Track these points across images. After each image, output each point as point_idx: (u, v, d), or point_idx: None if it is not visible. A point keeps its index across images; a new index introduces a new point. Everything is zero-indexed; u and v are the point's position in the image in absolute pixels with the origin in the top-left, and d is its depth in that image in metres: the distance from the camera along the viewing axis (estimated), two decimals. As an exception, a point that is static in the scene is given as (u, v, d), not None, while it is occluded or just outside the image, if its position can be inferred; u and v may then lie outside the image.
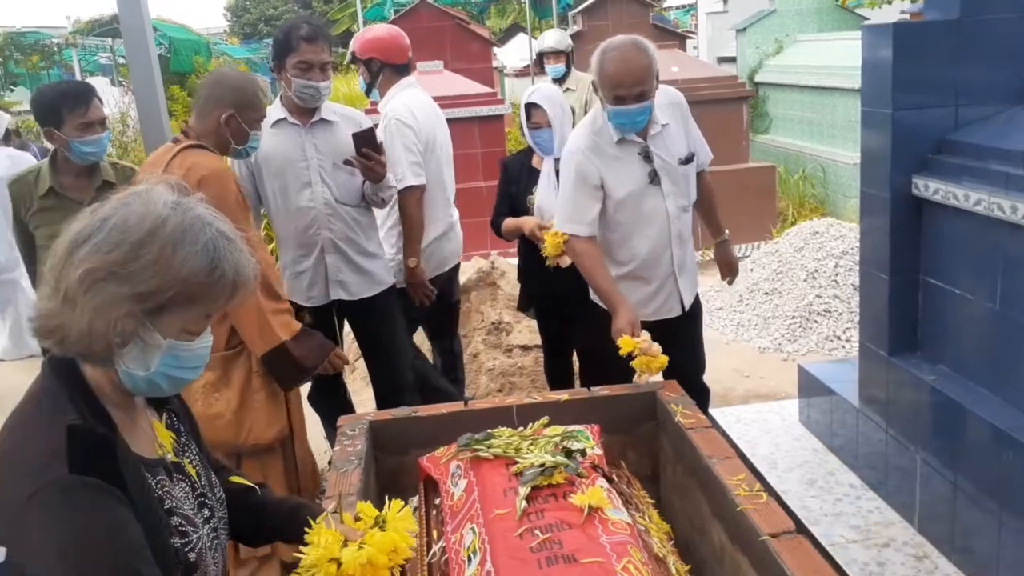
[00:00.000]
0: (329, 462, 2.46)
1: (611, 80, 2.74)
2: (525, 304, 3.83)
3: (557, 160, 3.34)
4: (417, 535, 2.19)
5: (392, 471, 2.52)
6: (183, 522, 1.26)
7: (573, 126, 5.67)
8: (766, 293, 5.36)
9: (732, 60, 11.11)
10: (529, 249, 3.53)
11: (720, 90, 7.39)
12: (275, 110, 3.14)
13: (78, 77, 17.11)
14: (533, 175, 3.56)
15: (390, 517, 1.48)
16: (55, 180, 3.07)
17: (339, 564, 1.34)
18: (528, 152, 3.66)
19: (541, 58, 5.96)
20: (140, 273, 1.14)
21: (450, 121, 6.40)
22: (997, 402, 2.55)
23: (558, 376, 3.77)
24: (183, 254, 1.17)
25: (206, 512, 1.35)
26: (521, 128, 3.59)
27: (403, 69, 3.68)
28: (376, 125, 3.28)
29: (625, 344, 2.62)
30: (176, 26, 18.60)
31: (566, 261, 3.16)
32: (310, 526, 1.43)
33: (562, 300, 3.49)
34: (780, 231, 6.82)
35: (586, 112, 5.87)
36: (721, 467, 2.12)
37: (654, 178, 2.91)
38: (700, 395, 3.09)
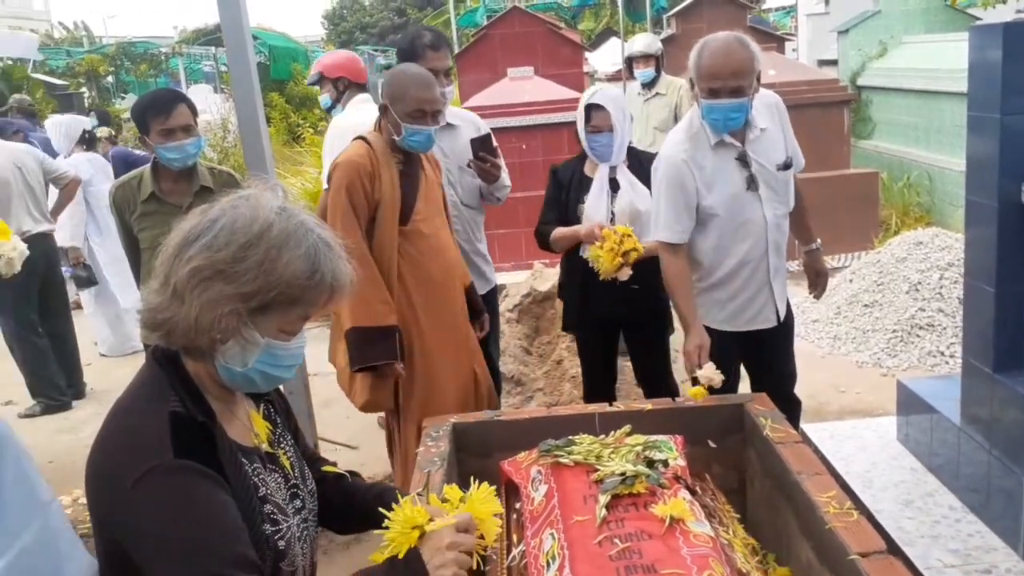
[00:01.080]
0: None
1: (707, 71, 2.68)
2: (569, 325, 3.55)
3: (613, 168, 3.24)
4: (502, 517, 2.23)
5: (474, 473, 2.52)
6: (275, 510, 1.31)
7: (658, 131, 5.70)
8: (865, 305, 5.16)
9: (833, 63, 10.77)
10: (572, 266, 3.34)
11: (820, 93, 7.18)
12: None
13: (183, 85, 17.93)
14: (585, 183, 3.29)
15: (474, 498, 1.48)
16: (155, 185, 3.21)
17: (422, 532, 1.34)
18: (580, 159, 3.38)
19: (630, 62, 5.91)
20: (245, 273, 1.20)
21: (538, 127, 6.47)
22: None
23: (601, 387, 3.49)
24: (286, 257, 1.22)
25: (297, 503, 1.39)
26: (577, 132, 3.33)
27: (363, 88, 4.31)
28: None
29: (696, 394, 2.59)
30: (276, 34, 19.24)
31: (625, 274, 3.03)
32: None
33: (606, 322, 3.37)
34: (882, 241, 6.56)
35: (676, 117, 5.83)
36: (810, 483, 2.06)
37: (751, 184, 2.82)
38: (791, 407, 2.99)
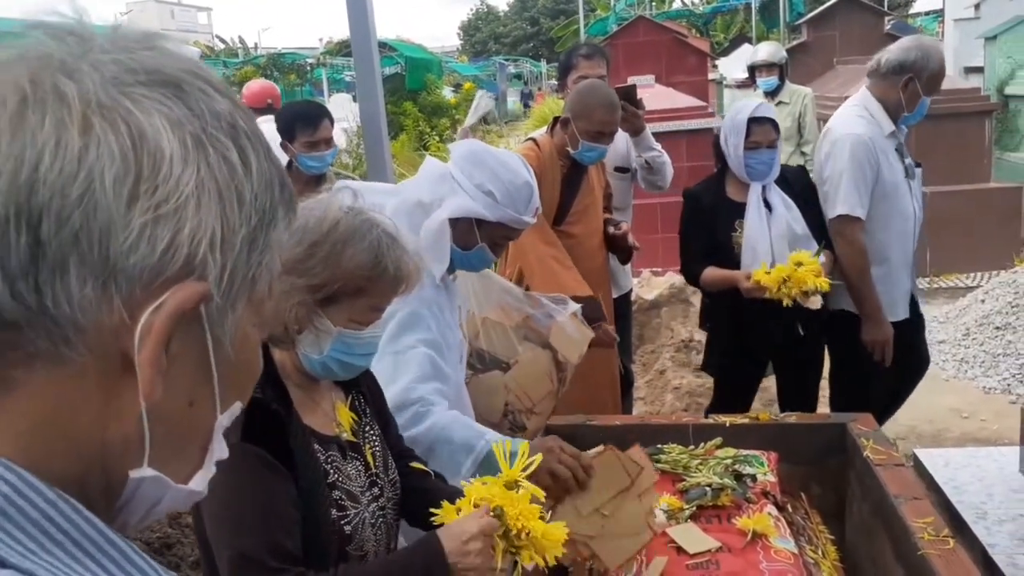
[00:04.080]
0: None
1: (942, 73, 3.03)
2: (711, 363, 3.27)
3: (764, 188, 2.98)
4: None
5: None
6: (344, 496, 1.39)
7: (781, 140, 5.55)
8: (997, 328, 4.87)
9: (980, 71, 10.19)
10: (728, 299, 2.98)
11: (959, 103, 6.81)
12: None
13: (325, 94, 18.77)
14: (732, 208, 2.99)
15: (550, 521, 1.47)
16: None
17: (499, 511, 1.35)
18: (719, 180, 3.09)
19: (753, 71, 5.80)
20: (314, 267, 1.32)
21: (658, 134, 6.43)
22: None
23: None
24: (351, 251, 1.33)
25: (375, 491, 1.47)
26: (720, 148, 3.04)
27: (261, 111, 4.94)
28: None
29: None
30: (412, 46, 19.88)
31: (816, 302, 2.75)
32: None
33: (758, 356, 3.14)
34: (1022, 260, 6.16)
35: (800, 126, 5.69)
36: (907, 507, 1.99)
37: (909, 173, 2.95)
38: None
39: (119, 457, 0.49)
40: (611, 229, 3.12)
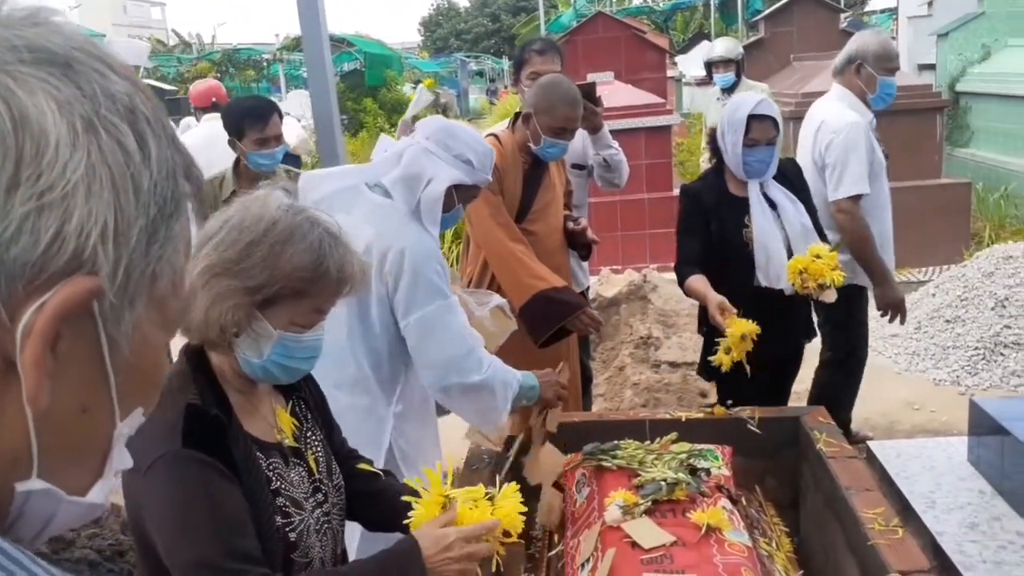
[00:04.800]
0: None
1: (886, 52, 3.32)
2: (707, 371, 3.07)
3: (762, 184, 2.90)
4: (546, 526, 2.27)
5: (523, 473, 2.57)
6: (288, 503, 1.36)
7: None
8: (947, 321, 4.96)
9: (932, 68, 10.37)
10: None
11: (911, 99, 6.93)
12: None
13: (283, 90, 18.55)
14: (736, 204, 2.88)
15: (503, 496, 1.49)
16: (237, 185, 3.38)
17: (446, 503, 1.40)
18: (718, 176, 2.98)
19: (710, 67, 5.85)
20: (251, 269, 1.28)
21: (616, 132, 6.46)
22: None
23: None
24: (290, 252, 1.29)
25: (319, 497, 1.44)
26: (715, 144, 2.96)
27: (207, 109, 5.22)
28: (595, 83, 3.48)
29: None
30: (371, 41, 19.71)
31: (831, 296, 2.73)
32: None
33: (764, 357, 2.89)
34: (972, 254, 6.30)
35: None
36: (858, 499, 2.03)
37: (887, 157, 3.19)
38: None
39: (6, 469, 0.46)
40: (570, 225, 3.12)
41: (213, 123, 4.45)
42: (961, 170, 8.46)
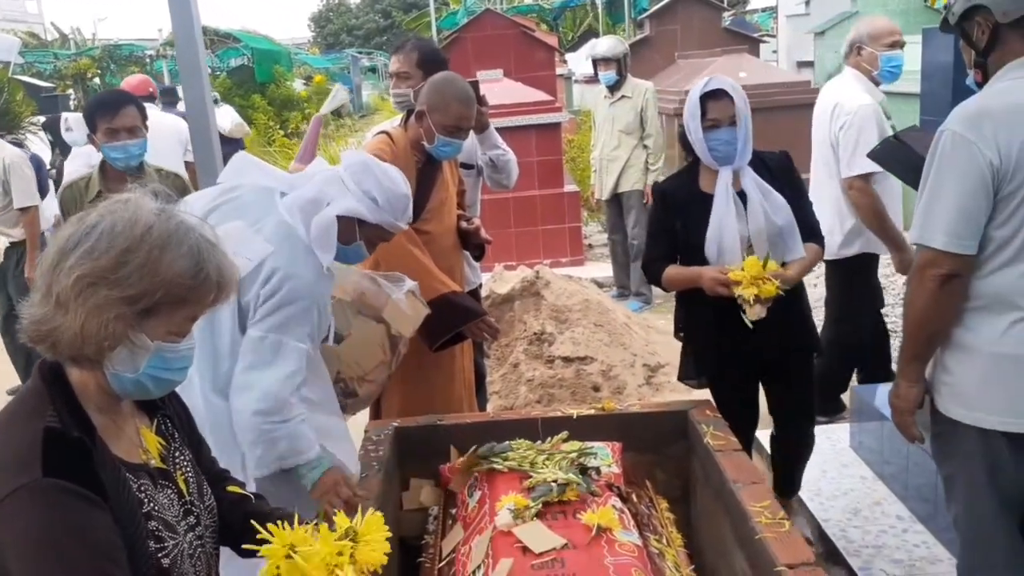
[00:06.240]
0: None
1: (879, 30, 3.48)
2: (693, 372, 2.88)
3: (736, 175, 2.64)
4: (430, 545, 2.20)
5: (417, 478, 2.50)
6: (160, 527, 1.27)
7: (624, 134, 5.66)
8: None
9: (811, 65, 10.81)
10: (697, 303, 2.70)
11: (790, 95, 7.19)
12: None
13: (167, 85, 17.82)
14: (705, 202, 2.64)
15: (366, 524, 1.48)
16: (103, 185, 3.18)
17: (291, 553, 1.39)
18: (691, 171, 2.75)
19: (596, 65, 5.91)
20: (129, 277, 1.19)
21: (507, 129, 6.46)
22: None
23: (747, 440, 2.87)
24: (169, 258, 1.21)
25: (191, 520, 1.36)
26: (685, 140, 2.72)
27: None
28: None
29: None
30: (259, 37, 19.20)
31: (756, 313, 2.50)
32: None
33: (748, 363, 2.76)
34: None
35: (643, 120, 5.82)
36: (746, 492, 2.03)
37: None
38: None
39: None
40: (464, 224, 3.07)
41: (153, 112, 4.31)
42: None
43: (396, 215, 2.22)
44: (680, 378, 2.97)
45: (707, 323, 2.72)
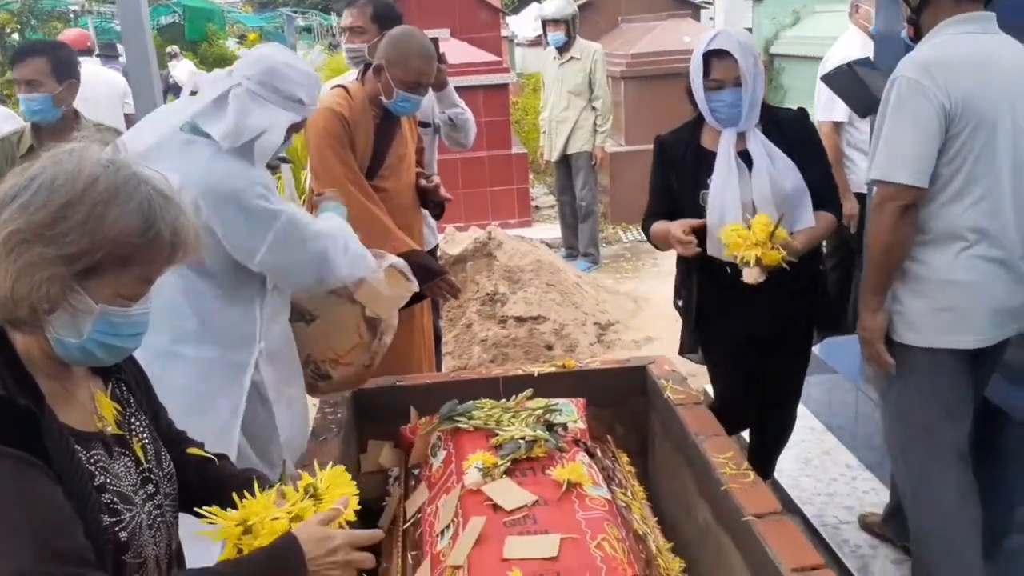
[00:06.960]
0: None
1: None
2: (692, 346, 2.75)
3: (742, 136, 2.48)
4: (392, 505, 2.18)
5: (375, 440, 2.48)
6: (115, 499, 1.19)
7: (573, 95, 5.63)
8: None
9: (749, 32, 10.90)
10: (696, 270, 2.59)
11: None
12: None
13: (95, 46, 17.10)
14: (705, 159, 2.50)
15: (328, 480, 1.41)
16: (35, 139, 3.03)
17: (247, 529, 1.31)
18: (695, 127, 2.60)
19: (545, 26, 5.87)
20: (68, 234, 1.09)
21: (455, 89, 6.38)
22: (1002, 382, 2.47)
23: (740, 422, 2.82)
24: (114, 213, 1.11)
25: (150, 488, 1.28)
26: (689, 91, 2.53)
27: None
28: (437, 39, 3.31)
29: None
30: (190, -7, 18.49)
31: (754, 276, 2.34)
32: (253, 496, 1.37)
33: (750, 338, 2.62)
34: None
35: (591, 82, 5.81)
36: (708, 444, 2.06)
37: None
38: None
39: None
40: (423, 182, 3.03)
41: (90, 67, 4.34)
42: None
43: (316, 98, 2.19)
44: (681, 352, 2.80)
45: (707, 292, 2.59)
